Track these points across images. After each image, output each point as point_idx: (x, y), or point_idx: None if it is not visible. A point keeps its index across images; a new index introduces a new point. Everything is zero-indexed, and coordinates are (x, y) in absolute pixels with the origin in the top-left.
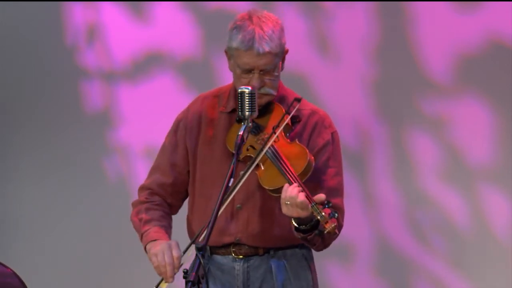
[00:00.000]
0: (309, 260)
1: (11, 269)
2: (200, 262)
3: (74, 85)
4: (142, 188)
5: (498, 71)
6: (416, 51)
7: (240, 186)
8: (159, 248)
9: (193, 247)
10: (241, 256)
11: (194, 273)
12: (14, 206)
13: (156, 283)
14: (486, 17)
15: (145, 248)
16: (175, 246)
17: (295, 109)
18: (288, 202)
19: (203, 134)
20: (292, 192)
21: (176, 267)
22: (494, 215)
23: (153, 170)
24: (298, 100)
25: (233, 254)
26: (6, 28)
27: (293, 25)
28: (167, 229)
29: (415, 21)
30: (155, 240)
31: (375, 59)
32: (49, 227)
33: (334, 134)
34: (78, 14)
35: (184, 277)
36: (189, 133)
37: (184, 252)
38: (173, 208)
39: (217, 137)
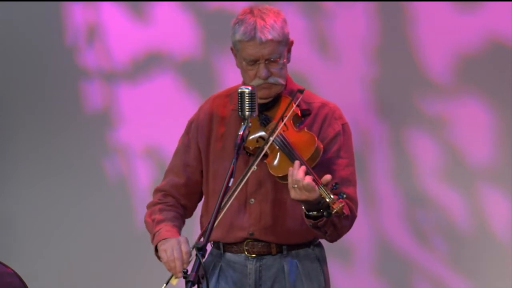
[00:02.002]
0: (322, 262)
1: (11, 269)
2: (200, 262)
3: (74, 85)
4: (156, 191)
5: (498, 71)
6: (416, 51)
7: (252, 180)
8: (168, 244)
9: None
10: (254, 255)
11: (194, 273)
12: (14, 206)
13: (166, 280)
14: (486, 17)
15: (156, 248)
16: (184, 241)
17: (300, 98)
18: (295, 186)
19: (215, 132)
20: (298, 175)
21: (185, 262)
22: (494, 215)
23: (168, 172)
24: (301, 91)
25: (245, 253)
26: (6, 28)
27: (293, 25)
28: (179, 229)
29: (415, 21)
30: (165, 238)
31: (375, 59)
32: (49, 227)
33: (345, 126)
34: (78, 14)
35: (184, 277)
36: (201, 133)
37: (193, 247)
38: (188, 210)
39: (229, 135)
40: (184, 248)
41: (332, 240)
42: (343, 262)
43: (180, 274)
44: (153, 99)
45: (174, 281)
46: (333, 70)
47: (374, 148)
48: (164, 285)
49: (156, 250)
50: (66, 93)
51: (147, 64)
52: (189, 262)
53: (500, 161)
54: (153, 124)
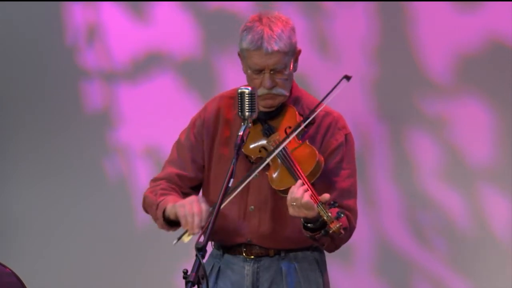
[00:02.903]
0: (321, 264)
1: (9, 269)
2: (200, 262)
3: (74, 85)
4: (155, 179)
5: (498, 71)
6: (416, 51)
7: (253, 187)
8: (186, 200)
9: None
10: (252, 257)
11: (194, 274)
12: (14, 206)
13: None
14: (486, 17)
15: (162, 216)
16: (203, 200)
17: (315, 114)
18: (294, 203)
19: (219, 133)
20: (297, 193)
21: (203, 219)
22: (494, 215)
23: (170, 163)
24: (348, 78)
25: (244, 254)
26: (6, 28)
27: None
28: None
29: (415, 21)
30: (175, 202)
31: (375, 59)
32: (49, 227)
33: (348, 136)
34: (78, 14)
35: (184, 278)
36: (206, 131)
37: (212, 208)
38: None
39: (233, 138)
40: (203, 206)
41: (329, 251)
42: (343, 262)
43: (197, 230)
44: (153, 99)
45: (186, 239)
46: (333, 70)
47: (374, 148)
48: (175, 241)
49: (163, 218)
50: (66, 93)
51: (147, 64)
52: (206, 221)
53: (500, 161)
54: (153, 124)
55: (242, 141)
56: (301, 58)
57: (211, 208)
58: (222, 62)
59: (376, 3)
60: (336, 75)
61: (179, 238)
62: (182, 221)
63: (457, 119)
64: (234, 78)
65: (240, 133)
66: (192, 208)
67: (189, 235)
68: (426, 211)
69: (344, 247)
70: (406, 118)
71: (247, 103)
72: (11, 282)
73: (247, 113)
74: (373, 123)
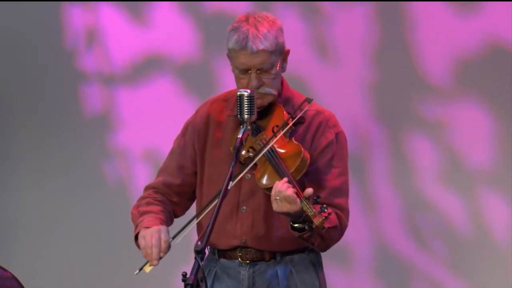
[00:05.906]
0: (317, 267)
1: (10, 273)
2: (199, 265)
3: (73, 89)
4: (147, 187)
5: (497, 75)
6: (415, 54)
7: (245, 188)
8: (148, 231)
9: (182, 234)
10: (247, 261)
11: (193, 276)
12: (13, 210)
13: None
14: (485, 21)
15: (136, 237)
16: (165, 230)
17: (302, 112)
18: (278, 198)
19: (211, 136)
20: (281, 187)
21: (162, 251)
22: (493, 218)
23: (161, 171)
24: (309, 101)
25: (239, 259)
26: (6, 32)
27: (292, 28)
28: (164, 223)
29: (414, 24)
30: (147, 227)
31: (374, 62)
32: (48, 231)
33: (339, 135)
34: (77, 17)
35: (183, 280)
36: (197, 136)
37: (173, 238)
38: (179, 207)
39: (225, 140)
40: (163, 237)
41: (320, 250)
42: (342, 265)
43: (156, 262)
44: (152, 102)
45: (147, 269)
46: (332, 74)
47: (373, 151)
48: (137, 271)
49: (137, 239)
50: (66, 96)
51: (146, 68)
52: (166, 252)
53: (499, 165)
54: (152, 128)
55: (241, 144)
56: (300, 61)
57: (171, 239)
58: (221, 65)
59: (375, 6)
60: (335, 79)
61: (141, 269)
62: (142, 252)
63: (456, 122)
64: (232, 81)
65: (239, 135)
66: (151, 240)
67: (150, 265)
68: (425, 213)
69: (342, 249)
70: (405, 121)
71: (246, 105)
72: (11, 286)
73: (246, 116)
74: (372, 126)
